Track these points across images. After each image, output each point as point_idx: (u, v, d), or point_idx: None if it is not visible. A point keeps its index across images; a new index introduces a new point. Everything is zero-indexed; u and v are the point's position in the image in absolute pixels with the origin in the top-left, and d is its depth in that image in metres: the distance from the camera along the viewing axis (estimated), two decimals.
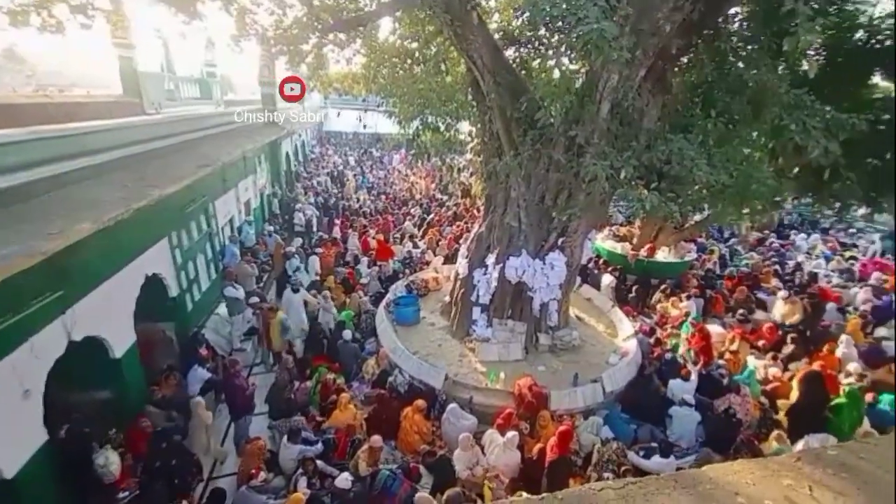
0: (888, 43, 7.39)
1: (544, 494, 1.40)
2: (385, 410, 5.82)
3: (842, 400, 5.77)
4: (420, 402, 5.70)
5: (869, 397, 6.09)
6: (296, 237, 11.98)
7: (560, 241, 7.04)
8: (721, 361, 7.16)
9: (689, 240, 12.00)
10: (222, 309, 8.72)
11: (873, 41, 7.45)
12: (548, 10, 4.32)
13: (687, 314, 8.77)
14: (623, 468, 4.84)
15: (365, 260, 10.92)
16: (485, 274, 7.35)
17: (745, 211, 6.38)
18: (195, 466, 5.10)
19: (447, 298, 8.43)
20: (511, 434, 5.09)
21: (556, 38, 6.94)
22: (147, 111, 9.77)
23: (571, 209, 6.32)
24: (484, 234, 7.68)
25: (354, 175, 21.71)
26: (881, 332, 8.39)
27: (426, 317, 8.31)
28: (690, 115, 6.35)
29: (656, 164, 5.50)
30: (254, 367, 8.03)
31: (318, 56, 8.59)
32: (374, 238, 11.98)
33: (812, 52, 7.26)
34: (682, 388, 6.13)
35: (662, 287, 10.18)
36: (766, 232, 15.71)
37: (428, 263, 10.92)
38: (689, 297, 9.37)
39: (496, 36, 7.73)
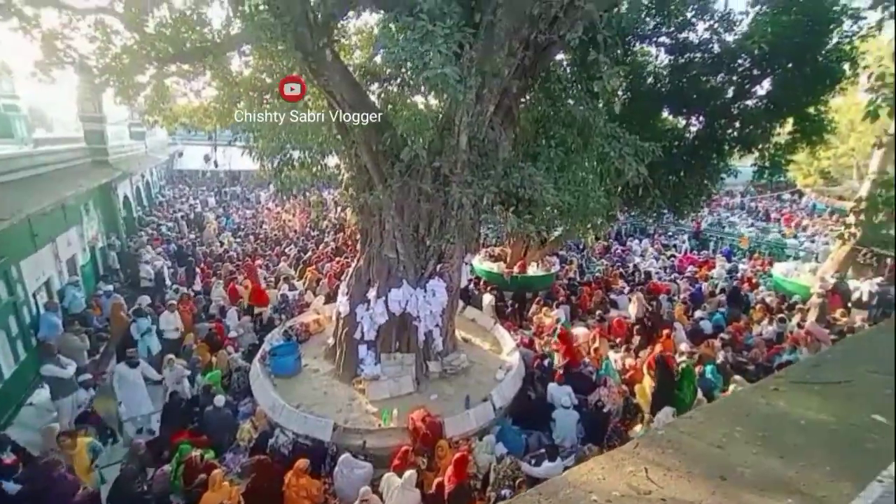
0: (670, 87, 9.50)
1: None
2: (266, 479, 5.12)
3: (680, 377, 6.87)
4: (301, 463, 5.10)
5: (698, 369, 7.38)
6: (142, 294, 10.17)
7: (438, 267, 7.23)
8: (587, 360, 8.00)
9: (553, 254, 13.44)
10: (39, 396, 6.91)
11: (659, 85, 9.50)
12: (396, 52, 4.55)
13: (558, 321, 9.69)
14: (518, 481, 5.00)
15: (234, 310, 9.77)
16: (367, 309, 7.14)
17: (589, 225, 7.41)
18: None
19: (331, 341, 7.96)
20: (408, 474, 4.88)
21: (414, 76, 7.32)
22: None
23: (445, 236, 6.57)
24: (363, 269, 7.50)
25: (217, 217, 19.62)
26: (698, 313, 10.35)
27: (308, 363, 7.71)
28: (537, 145, 7.22)
29: (513, 189, 6.09)
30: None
31: (160, 88, 7.70)
32: (241, 284, 10.83)
33: (620, 93, 8.96)
34: (559, 392, 6.65)
35: (536, 299, 11.13)
36: (609, 240, 18.46)
37: (307, 305, 10.23)
38: (558, 306, 10.41)
39: (358, 72, 7.85)
